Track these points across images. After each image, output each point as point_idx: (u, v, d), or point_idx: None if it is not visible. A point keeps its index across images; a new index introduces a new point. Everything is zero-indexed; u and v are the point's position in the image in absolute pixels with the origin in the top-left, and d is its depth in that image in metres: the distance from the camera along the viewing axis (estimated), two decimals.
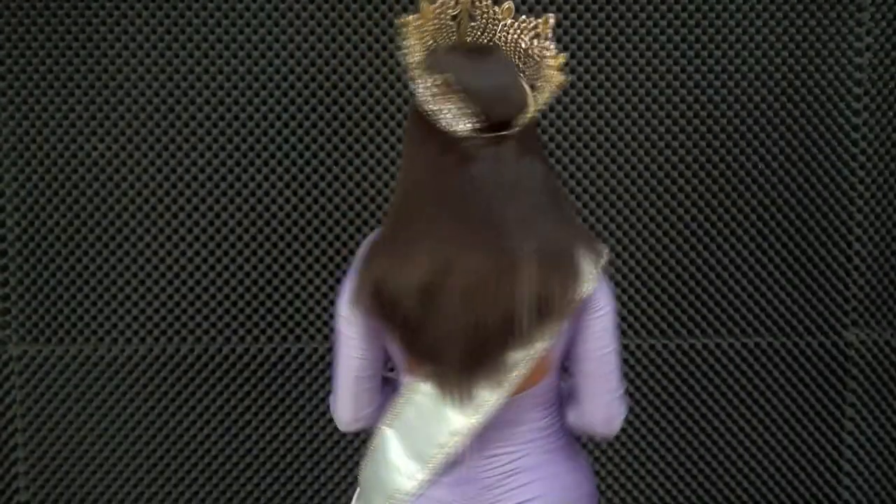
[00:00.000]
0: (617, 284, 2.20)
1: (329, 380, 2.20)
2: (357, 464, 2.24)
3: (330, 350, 2.19)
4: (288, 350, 2.20)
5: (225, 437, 2.23)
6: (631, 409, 2.25)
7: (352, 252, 2.17)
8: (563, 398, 1.36)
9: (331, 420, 2.20)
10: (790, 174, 2.17)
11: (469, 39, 1.20)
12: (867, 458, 2.28)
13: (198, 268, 2.18)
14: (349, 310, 1.22)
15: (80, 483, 2.23)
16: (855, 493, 2.29)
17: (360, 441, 2.22)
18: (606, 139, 2.15)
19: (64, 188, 2.15)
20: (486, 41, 1.20)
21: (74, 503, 2.23)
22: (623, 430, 2.24)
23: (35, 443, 2.21)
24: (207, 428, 2.22)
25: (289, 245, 2.18)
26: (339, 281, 2.18)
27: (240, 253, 2.18)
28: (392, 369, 1.33)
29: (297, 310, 2.20)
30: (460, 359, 1.17)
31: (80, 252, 2.17)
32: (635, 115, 2.14)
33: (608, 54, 2.11)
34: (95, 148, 2.14)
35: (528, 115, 1.15)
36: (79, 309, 2.18)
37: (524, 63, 1.19)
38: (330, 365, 2.20)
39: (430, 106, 1.12)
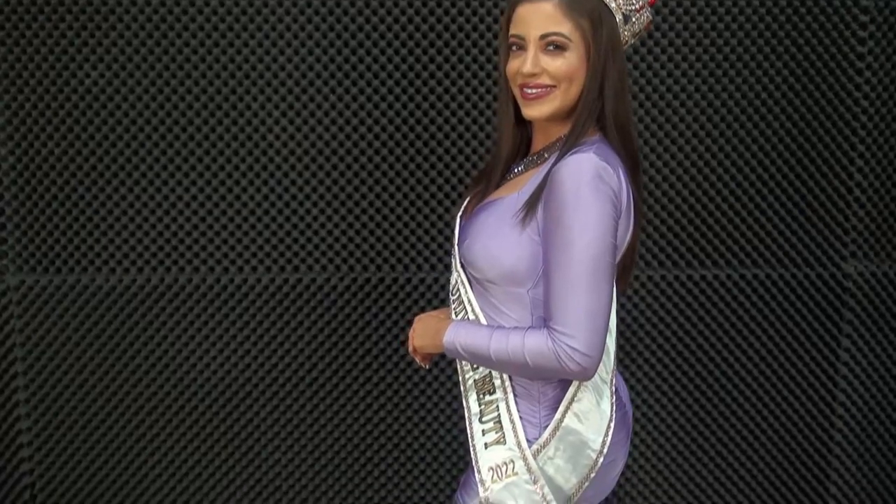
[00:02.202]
0: None
1: (326, 310, 2.20)
2: (357, 392, 2.25)
3: (328, 280, 2.19)
4: (286, 280, 2.20)
5: (224, 366, 2.24)
6: (628, 340, 2.26)
7: (349, 182, 2.15)
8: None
9: (329, 349, 2.22)
10: (793, 105, 2.15)
11: None
12: (861, 387, 2.30)
13: (194, 198, 2.16)
14: (613, 236, 1.24)
15: (81, 411, 2.24)
16: (848, 422, 2.32)
17: (359, 370, 2.24)
18: None
19: (57, 116, 2.11)
20: None
21: (76, 430, 2.25)
22: (620, 360, 2.26)
23: (35, 372, 2.22)
24: (207, 357, 2.23)
25: (286, 175, 2.16)
26: (336, 211, 2.16)
27: (237, 183, 2.16)
28: None
29: (295, 240, 2.19)
30: None
31: (75, 181, 2.14)
32: (643, 50, 2.11)
33: None
34: (88, 75, 2.10)
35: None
36: (75, 239, 2.17)
37: None
38: (328, 295, 2.20)
39: None
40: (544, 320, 1.27)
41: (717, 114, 2.15)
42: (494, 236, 1.32)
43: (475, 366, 1.41)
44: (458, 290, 1.42)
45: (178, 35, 2.08)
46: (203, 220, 2.17)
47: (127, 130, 2.12)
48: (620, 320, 2.24)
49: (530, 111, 1.32)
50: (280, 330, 2.22)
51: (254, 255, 2.19)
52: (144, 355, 2.22)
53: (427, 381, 2.26)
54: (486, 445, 1.40)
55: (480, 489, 1.38)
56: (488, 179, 1.44)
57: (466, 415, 1.43)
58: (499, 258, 1.31)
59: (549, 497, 1.36)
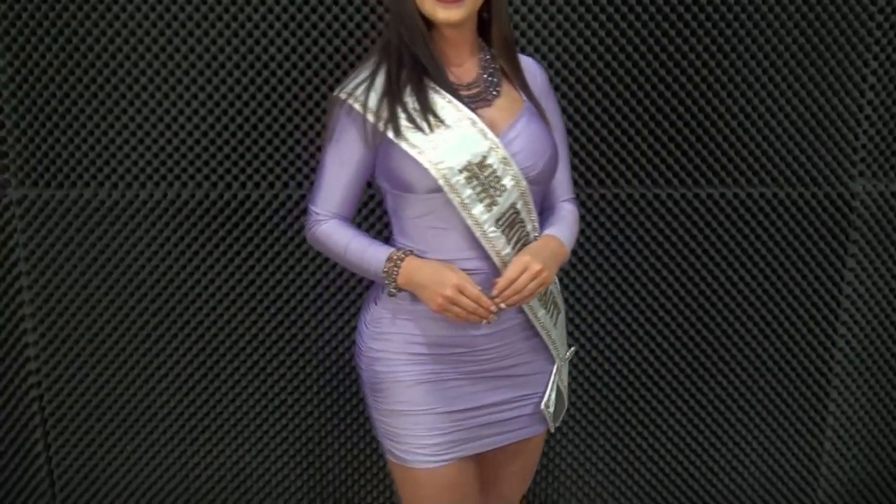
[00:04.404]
0: (623, 133, 2.16)
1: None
2: (354, 302, 2.26)
3: None
4: (290, 196, 2.18)
5: (229, 283, 2.24)
6: (633, 259, 2.25)
7: None
8: None
9: (326, 260, 2.22)
10: (807, 19, 2.10)
11: None
12: (865, 307, 2.30)
13: (196, 112, 2.13)
14: None
15: (87, 325, 2.26)
16: (850, 342, 2.33)
17: (357, 280, 2.24)
18: None
19: (55, 27, 2.07)
20: None
21: (82, 343, 2.27)
22: (624, 278, 2.26)
23: (39, 286, 2.22)
24: (211, 273, 2.23)
25: (288, 89, 2.12)
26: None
27: (238, 97, 2.13)
28: None
29: (298, 156, 2.17)
30: None
31: (75, 94, 2.11)
32: None
33: None
34: None
35: None
36: (77, 153, 2.15)
37: None
38: None
39: None
40: (557, 197, 1.66)
41: (730, 27, 2.10)
42: (551, 142, 1.55)
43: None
44: (517, 210, 1.49)
45: None
46: (205, 134, 2.15)
47: (126, 42, 2.08)
48: (626, 239, 2.24)
49: (449, 14, 1.39)
50: (283, 246, 2.22)
51: (256, 170, 2.18)
52: (149, 270, 2.22)
53: None
54: (555, 324, 1.64)
55: (557, 360, 1.66)
56: (452, 90, 1.46)
57: (538, 327, 1.59)
58: (556, 159, 1.58)
59: None
